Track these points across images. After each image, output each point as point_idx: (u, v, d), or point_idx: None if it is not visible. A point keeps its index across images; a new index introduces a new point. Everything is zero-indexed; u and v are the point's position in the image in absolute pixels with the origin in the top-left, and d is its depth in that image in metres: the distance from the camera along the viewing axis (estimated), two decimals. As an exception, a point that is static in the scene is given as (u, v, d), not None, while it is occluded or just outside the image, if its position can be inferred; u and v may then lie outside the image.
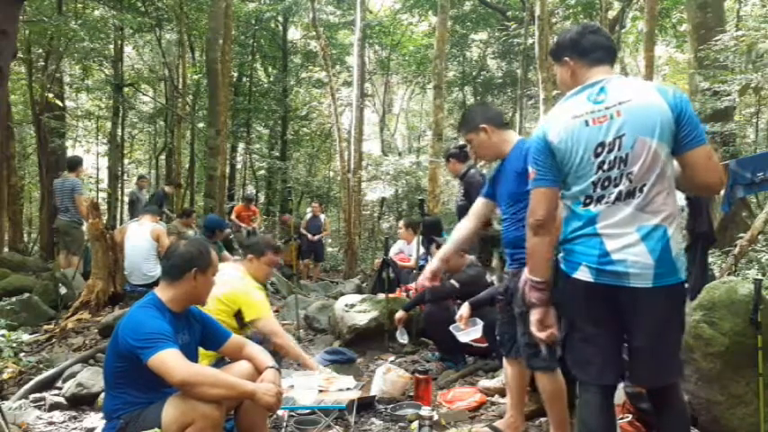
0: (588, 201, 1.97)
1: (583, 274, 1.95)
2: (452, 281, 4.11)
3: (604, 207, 1.94)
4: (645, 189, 1.90)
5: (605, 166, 1.93)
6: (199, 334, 2.50)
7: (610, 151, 1.92)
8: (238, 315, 3.16)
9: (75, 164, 7.51)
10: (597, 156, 1.93)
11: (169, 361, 2.10)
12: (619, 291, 1.92)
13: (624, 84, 1.99)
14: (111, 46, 12.82)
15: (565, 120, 1.98)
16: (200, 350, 2.66)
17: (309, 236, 10.75)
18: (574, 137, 1.95)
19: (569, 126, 1.96)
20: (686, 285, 2.04)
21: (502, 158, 2.74)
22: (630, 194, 1.91)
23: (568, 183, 2.01)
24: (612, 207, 1.93)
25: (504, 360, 2.89)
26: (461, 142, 6.63)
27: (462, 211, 5.61)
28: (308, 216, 11.47)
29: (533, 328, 2.12)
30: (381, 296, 5.00)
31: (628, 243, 1.90)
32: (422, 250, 6.33)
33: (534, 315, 2.10)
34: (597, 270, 1.93)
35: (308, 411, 3.13)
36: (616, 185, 1.92)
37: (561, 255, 2.05)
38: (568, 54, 2.08)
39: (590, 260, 1.94)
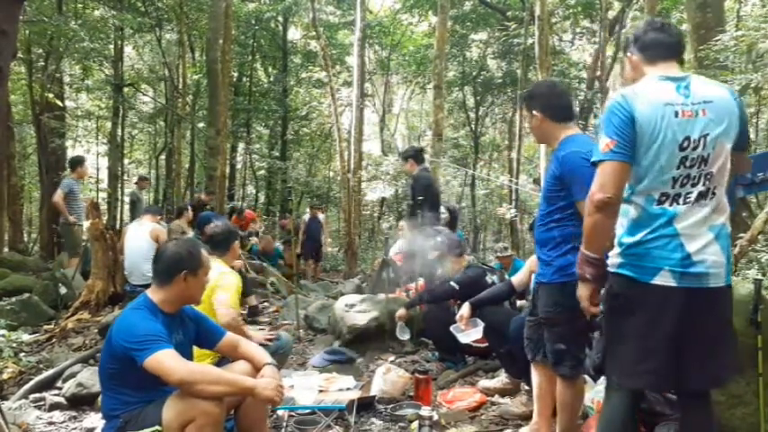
0: (664, 198, 1.91)
1: (664, 280, 1.89)
2: (452, 283, 4.10)
3: (684, 207, 1.91)
4: (717, 191, 1.94)
5: (687, 163, 1.89)
6: (193, 333, 2.50)
7: (694, 149, 1.89)
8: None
9: (71, 163, 7.50)
10: (682, 150, 1.89)
11: (165, 361, 2.10)
12: (695, 293, 1.90)
13: (704, 83, 1.99)
14: (111, 46, 12.82)
15: (656, 102, 1.90)
16: (203, 350, 2.66)
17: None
18: (663, 122, 1.88)
19: (660, 110, 1.89)
20: None
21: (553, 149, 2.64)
22: (705, 195, 1.93)
23: (640, 174, 1.92)
24: (691, 207, 1.91)
25: (532, 366, 2.80)
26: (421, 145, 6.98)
27: (410, 210, 5.79)
28: (306, 218, 11.42)
29: (584, 303, 2.05)
30: (381, 296, 5.00)
31: (705, 243, 1.91)
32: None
33: (586, 290, 2.03)
34: (681, 274, 1.88)
35: (308, 411, 3.13)
36: (694, 185, 1.91)
37: (625, 260, 1.95)
38: (631, 49, 2.11)
39: (672, 263, 1.89)
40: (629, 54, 2.13)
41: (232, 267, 3.48)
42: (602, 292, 2.05)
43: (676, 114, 1.89)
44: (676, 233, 1.90)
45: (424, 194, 5.45)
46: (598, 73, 12.73)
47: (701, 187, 1.92)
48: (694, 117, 1.90)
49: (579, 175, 2.33)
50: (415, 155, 5.84)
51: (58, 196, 6.84)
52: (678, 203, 1.91)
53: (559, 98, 2.60)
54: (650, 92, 1.93)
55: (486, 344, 3.87)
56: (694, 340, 1.92)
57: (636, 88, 1.96)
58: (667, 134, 1.88)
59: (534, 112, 2.56)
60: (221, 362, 2.83)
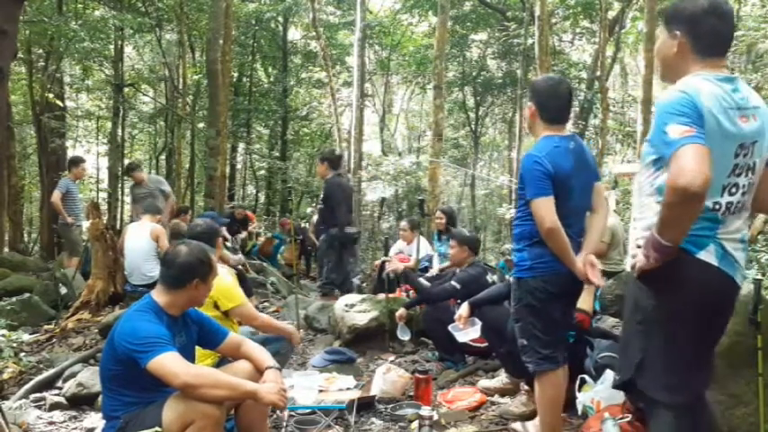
0: (717, 207, 1.79)
1: (709, 256, 1.79)
2: (453, 282, 4.10)
3: (728, 216, 1.82)
4: (751, 202, 1.89)
5: (737, 171, 1.78)
6: (196, 335, 2.50)
7: (744, 156, 1.77)
8: (217, 305, 3.14)
9: (69, 163, 7.54)
10: (736, 156, 1.76)
11: (168, 364, 2.11)
12: (729, 284, 1.84)
13: (748, 87, 1.87)
14: (112, 46, 12.81)
15: (719, 104, 1.73)
16: (203, 350, 2.66)
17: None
18: (724, 126, 1.72)
19: (722, 113, 1.73)
20: None
21: None
22: (744, 206, 1.86)
23: None
24: (733, 217, 1.83)
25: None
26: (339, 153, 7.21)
27: (322, 214, 6.11)
28: None
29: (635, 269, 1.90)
30: (381, 296, 5.01)
31: (737, 247, 1.85)
32: (424, 252, 6.35)
33: (643, 265, 1.84)
34: (723, 253, 1.80)
35: (308, 411, 3.13)
36: (744, 194, 1.82)
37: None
38: (681, 29, 1.84)
39: (715, 236, 1.80)
40: (675, 32, 1.84)
41: (233, 267, 3.48)
42: (637, 300, 1.92)
43: (735, 119, 1.76)
44: (715, 237, 1.82)
45: (324, 201, 5.99)
46: (598, 73, 12.73)
47: (746, 198, 1.84)
48: (748, 122, 1.77)
49: (527, 176, 2.46)
50: (330, 159, 6.13)
51: (56, 197, 6.90)
52: (725, 213, 1.81)
53: (554, 99, 2.60)
54: (711, 92, 1.75)
55: (486, 343, 3.87)
56: (715, 338, 1.93)
57: (695, 85, 1.76)
58: (726, 139, 1.74)
59: (530, 103, 2.65)
60: (221, 361, 2.83)
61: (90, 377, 3.54)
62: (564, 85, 2.65)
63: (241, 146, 18.37)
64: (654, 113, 1.83)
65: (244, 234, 9.90)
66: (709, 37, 1.82)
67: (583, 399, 2.94)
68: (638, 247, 1.90)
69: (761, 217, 5.55)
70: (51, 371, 3.90)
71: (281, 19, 17.43)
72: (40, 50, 11.00)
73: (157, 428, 2.13)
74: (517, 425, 3.05)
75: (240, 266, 6.31)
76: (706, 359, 1.91)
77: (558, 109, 2.60)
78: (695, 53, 1.83)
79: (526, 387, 3.29)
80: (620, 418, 2.58)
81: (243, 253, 8.36)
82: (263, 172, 18.69)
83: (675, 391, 1.84)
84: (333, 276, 6.09)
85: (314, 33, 14.50)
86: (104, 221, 6.41)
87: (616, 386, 2.09)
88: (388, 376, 3.55)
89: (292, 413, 3.12)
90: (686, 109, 1.70)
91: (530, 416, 3.08)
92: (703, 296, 1.82)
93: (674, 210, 1.68)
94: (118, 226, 12.41)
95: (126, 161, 13.95)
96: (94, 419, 3.19)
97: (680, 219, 1.70)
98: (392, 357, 4.46)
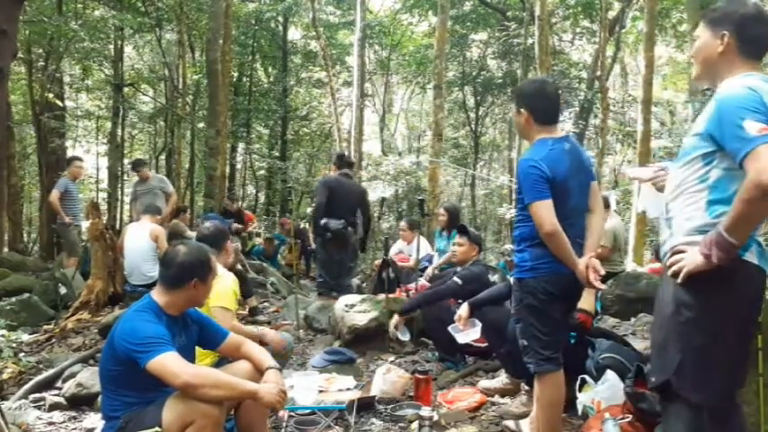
0: None
1: (752, 256, 1.82)
2: (456, 278, 4.09)
3: None
4: None
5: None
6: (196, 335, 2.50)
7: None
8: None
9: (65, 162, 7.56)
10: None
11: (168, 364, 2.10)
12: (765, 280, 1.87)
13: None
14: (111, 46, 12.82)
15: None
16: (202, 350, 2.66)
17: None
18: None
19: None
20: None
21: None
22: None
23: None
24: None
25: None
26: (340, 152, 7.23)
27: (316, 211, 6.07)
28: None
29: (683, 272, 1.85)
30: (381, 296, 5.00)
31: (761, 240, 1.89)
32: (424, 252, 6.34)
33: (698, 266, 1.81)
34: (760, 251, 1.82)
35: (308, 411, 3.13)
36: None
37: None
38: (729, 29, 1.88)
39: (755, 242, 1.83)
40: (723, 32, 1.88)
41: (231, 269, 3.45)
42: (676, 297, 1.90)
43: None
44: (755, 237, 1.85)
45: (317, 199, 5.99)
46: (598, 73, 12.74)
47: None
48: None
49: (524, 180, 2.46)
50: (335, 159, 6.46)
51: (54, 196, 6.92)
52: None
53: (546, 101, 2.60)
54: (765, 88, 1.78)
55: (487, 344, 3.87)
56: (753, 334, 1.98)
57: (756, 84, 1.79)
58: None
59: (521, 110, 2.61)
60: (221, 361, 2.83)
61: (89, 377, 3.54)
62: (550, 86, 2.66)
63: (241, 146, 18.36)
64: (715, 108, 1.83)
65: (239, 226, 9.73)
66: (756, 41, 1.90)
67: (583, 399, 2.94)
68: (679, 252, 1.89)
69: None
70: (51, 371, 3.90)
71: (280, 19, 17.43)
72: (40, 50, 10.99)
73: (157, 428, 2.13)
74: (510, 422, 3.06)
75: (240, 266, 6.30)
76: (746, 357, 1.94)
77: (549, 110, 2.60)
78: (740, 55, 1.89)
79: (526, 387, 3.29)
80: (621, 419, 2.58)
81: (243, 253, 8.35)
82: (262, 172, 18.70)
83: (710, 390, 1.86)
84: (327, 277, 6.04)
85: (314, 33, 14.52)
86: (104, 221, 6.40)
87: (653, 388, 2.07)
88: (388, 376, 3.55)
89: (292, 413, 3.12)
90: (760, 106, 1.73)
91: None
92: (750, 295, 1.86)
93: (753, 206, 1.70)
94: (117, 226, 12.41)
95: (126, 161, 13.96)
96: (94, 420, 3.18)
97: (755, 216, 1.74)
98: (392, 358, 4.45)
